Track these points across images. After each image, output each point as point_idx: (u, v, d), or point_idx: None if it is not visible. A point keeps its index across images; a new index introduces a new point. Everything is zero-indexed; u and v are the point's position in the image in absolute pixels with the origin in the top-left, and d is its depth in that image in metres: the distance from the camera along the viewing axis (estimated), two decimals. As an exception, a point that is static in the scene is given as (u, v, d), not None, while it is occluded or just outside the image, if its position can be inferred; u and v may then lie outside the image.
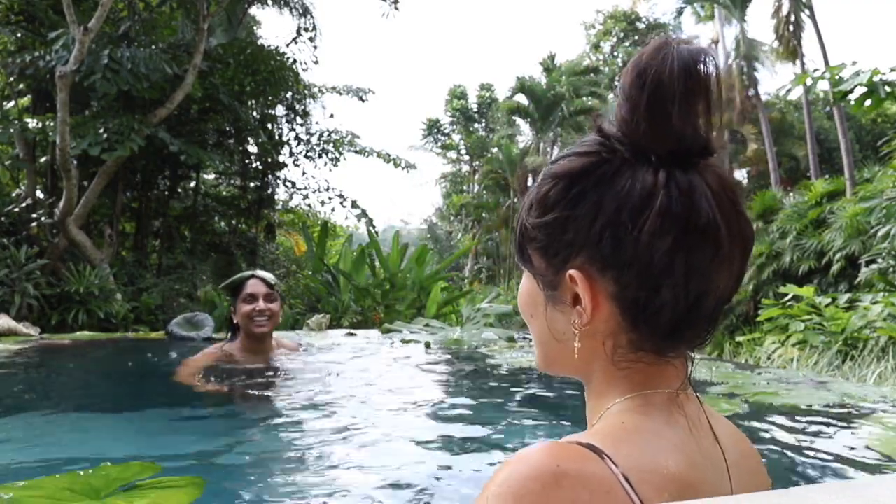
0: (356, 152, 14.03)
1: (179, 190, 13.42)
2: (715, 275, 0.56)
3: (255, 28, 14.09)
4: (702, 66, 0.55)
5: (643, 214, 0.55)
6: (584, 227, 0.58)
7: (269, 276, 2.90)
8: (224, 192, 14.73)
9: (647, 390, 0.59)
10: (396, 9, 11.55)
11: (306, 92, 13.52)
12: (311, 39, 12.95)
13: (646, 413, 0.58)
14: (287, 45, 12.71)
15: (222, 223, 14.04)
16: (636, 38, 28.87)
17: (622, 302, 0.58)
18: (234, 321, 2.89)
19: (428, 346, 6.08)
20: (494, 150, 28.36)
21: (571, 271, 0.59)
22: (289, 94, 13.13)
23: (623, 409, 0.59)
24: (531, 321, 0.68)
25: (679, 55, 0.55)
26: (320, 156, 13.86)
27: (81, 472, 1.29)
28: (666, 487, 0.51)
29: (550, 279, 0.62)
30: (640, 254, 0.55)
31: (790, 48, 13.72)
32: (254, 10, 13.78)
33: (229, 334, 3.02)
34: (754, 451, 0.68)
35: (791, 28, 13.57)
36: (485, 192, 28.13)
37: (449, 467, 1.70)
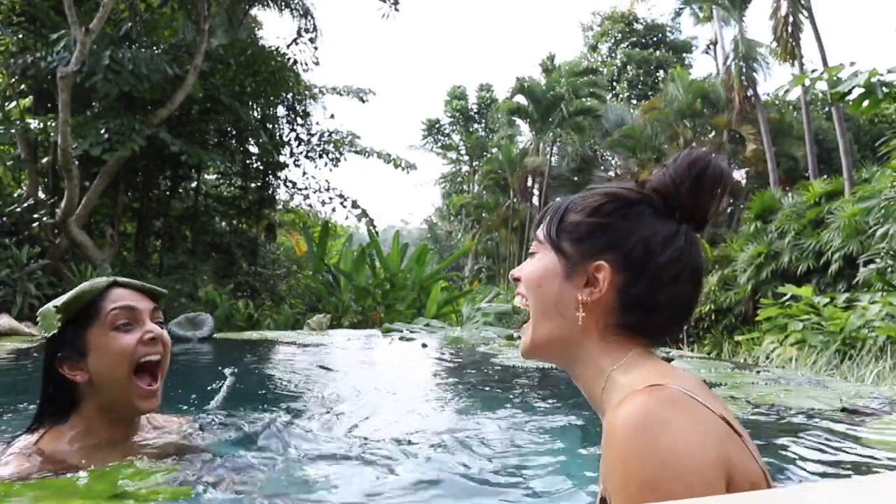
0: (356, 153, 14.06)
1: (180, 190, 13.44)
2: (695, 301, 0.85)
3: (255, 29, 14.10)
4: (728, 176, 0.84)
5: (668, 246, 0.81)
6: (622, 237, 0.82)
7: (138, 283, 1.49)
8: (225, 193, 14.74)
9: (629, 352, 0.82)
10: (396, 10, 11.58)
11: (307, 92, 13.54)
12: (312, 40, 12.96)
13: (644, 358, 0.81)
14: (288, 46, 12.73)
15: (223, 223, 14.06)
16: (633, 39, 28.87)
17: (624, 294, 0.82)
18: (72, 378, 1.35)
19: (424, 346, 6.11)
20: (494, 150, 28.37)
21: (601, 262, 0.82)
22: (289, 95, 13.15)
23: (629, 366, 0.80)
24: (537, 290, 0.88)
25: (717, 163, 0.83)
26: (321, 156, 13.89)
27: (99, 473, 1.28)
28: (700, 389, 0.74)
29: (575, 262, 0.84)
30: (657, 267, 0.81)
31: (788, 49, 13.72)
32: (254, 11, 13.79)
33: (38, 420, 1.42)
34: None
35: (790, 29, 13.58)
36: (485, 192, 28.11)
37: (449, 463, 1.73)
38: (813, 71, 5.55)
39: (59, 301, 1.37)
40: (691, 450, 0.65)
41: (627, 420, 0.68)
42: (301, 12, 12.73)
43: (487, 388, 3.51)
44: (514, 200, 24.89)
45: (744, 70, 16.18)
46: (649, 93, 25.61)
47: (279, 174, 14.04)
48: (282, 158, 13.79)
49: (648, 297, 0.81)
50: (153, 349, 1.35)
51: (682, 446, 0.65)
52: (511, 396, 3.27)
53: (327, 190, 13.97)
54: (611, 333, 0.82)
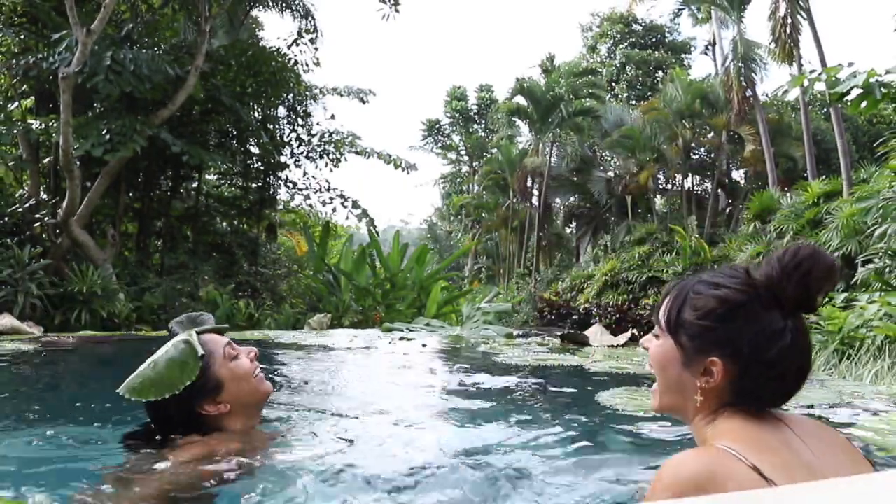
0: (357, 153, 14.09)
1: (181, 190, 13.48)
2: (796, 390, 0.96)
3: (256, 30, 14.13)
4: (835, 267, 0.93)
5: (776, 342, 0.91)
6: (733, 337, 0.94)
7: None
8: (226, 193, 14.78)
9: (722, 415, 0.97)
10: (397, 11, 11.62)
11: (307, 93, 13.58)
12: (312, 41, 13.00)
13: (728, 419, 0.95)
14: (288, 47, 12.77)
15: (224, 223, 14.09)
16: (632, 39, 28.89)
17: (734, 383, 0.94)
18: (216, 412, 1.67)
19: (424, 346, 6.14)
20: (494, 150, 28.39)
21: (714, 357, 0.95)
22: (290, 96, 13.19)
23: (716, 427, 0.95)
24: (662, 371, 1.04)
25: (824, 258, 0.92)
26: (321, 156, 13.92)
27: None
28: (754, 446, 0.86)
29: (691, 354, 0.98)
30: (766, 362, 0.92)
31: (787, 50, 13.74)
32: (255, 12, 13.83)
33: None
34: (839, 440, 1.02)
35: (788, 30, 13.60)
36: (484, 192, 28.11)
37: (453, 460, 1.75)
38: (812, 71, 5.56)
39: (191, 357, 1.64)
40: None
41: (666, 466, 0.87)
42: (301, 13, 12.77)
43: (487, 388, 3.54)
44: (514, 200, 24.89)
45: (742, 71, 16.20)
46: (648, 93, 25.60)
47: (280, 174, 14.08)
48: (282, 159, 13.84)
49: (756, 388, 0.94)
50: (256, 363, 1.78)
51: (689, 493, 0.79)
52: (511, 395, 3.30)
53: (328, 190, 14.01)
54: (719, 408, 0.97)
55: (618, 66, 28.21)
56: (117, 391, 1.63)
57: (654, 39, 28.94)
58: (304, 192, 14.23)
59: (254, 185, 14.00)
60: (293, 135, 13.86)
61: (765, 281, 0.93)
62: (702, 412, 0.98)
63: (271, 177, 13.99)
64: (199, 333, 1.74)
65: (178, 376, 1.62)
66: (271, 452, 1.67)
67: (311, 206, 14.85)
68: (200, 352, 1.65)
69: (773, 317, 0.92)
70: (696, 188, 21.75)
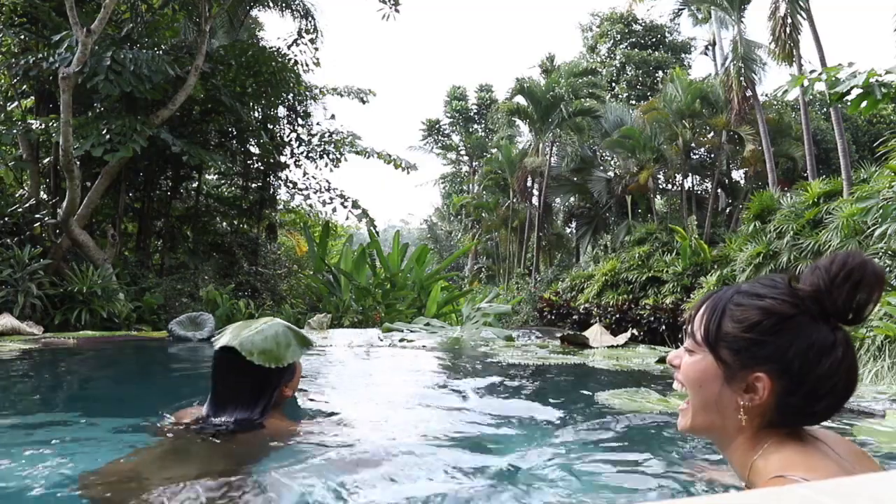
0: (357, 153, 14.09)
1: (181, 190, 13.48)
2: (842, 406, 0.90)
3: (256, 30, 14.13)
4: (884, 279, 0.87)
5: (828, 357, 0.86)
6: (780, 351, 0.88)
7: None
8: (226, 193, 14.78)
9: (769, 440, 0.90)
10: (397, 10, 11.61)
11: (307, 93, 13.58)
12: (313, 41, 13.00)
13: (782, 444, 0.89)
14: (288, 47, 12.77)
15: (224, 223, 14.10)
16: (632, 39, 28.88)
17: (781, 401, 0.89)
18: (283, 393, 1.95)
19: (423, 347, 6.13)
20: (494, 150, 28.38)
21: (760, 373, 0.89)
22: (290, 96, 13.19)
23: (767, 452, 0.89)
24: (698, 389, 0.96)
25: (873, 267, 0.87)
26: (321, 156, 13.92)
27: None
28: (824, 475, 0.80)
29: (734, 370, 0.92)
30: (816, 379, 0.87)
31: (787, 50, 13.73)
32: (255, 13, 13.84)
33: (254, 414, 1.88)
34: (858, 450, 1.00)
35: (788, 30, 13.58)
36: (484, 192, 28.12)
37: (452, 461, 1.76)
38: (812, 71, 5.56)
39: (297, 341, 1.89)
40: None
41: None
42: (301, 13, 12.77)
43: (487, 386, 3.54)
44: (514, 200, 24.89)
45: (742, 71, 16.19)
46: (648, 93, 25.57)
47: (280, 174, 14.08)
48: (282, 159, 13.84)
49: (805, 406, 0.88)
50: None
51: None
52: (512, 397, 3.31)
53: (328, 190, 14.01)
54: (762, 429, 0.91)
55: (618, 66, 28.19)
56: (223, 342, 1.80)
57: (654, 39, 28.91)
58: (304, 192, 14.24)
59: (254, 185, 14.00)
60: (293, 135, 13.87)
61: (811, 291, 0.88)
62: (744, 433, 0.92)
63: (271, 177, 14.00)
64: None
65: (284, 353, 1.85)
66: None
67: (311, 206, 14.85)
68: (315, 343, 1.84)
69: (822, 330, 0.87)
70: (696, 188, 21.75)
